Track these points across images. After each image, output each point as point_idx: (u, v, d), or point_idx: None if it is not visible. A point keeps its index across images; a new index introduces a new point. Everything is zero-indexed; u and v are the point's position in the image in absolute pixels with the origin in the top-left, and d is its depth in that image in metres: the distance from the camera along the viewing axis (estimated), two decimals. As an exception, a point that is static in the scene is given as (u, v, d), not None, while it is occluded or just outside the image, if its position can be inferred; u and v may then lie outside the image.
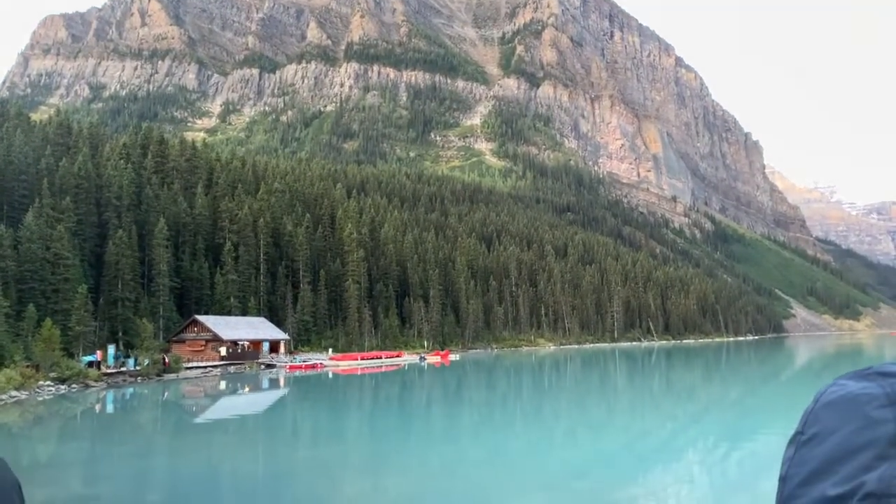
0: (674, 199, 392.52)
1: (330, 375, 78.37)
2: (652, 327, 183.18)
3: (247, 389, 63.18)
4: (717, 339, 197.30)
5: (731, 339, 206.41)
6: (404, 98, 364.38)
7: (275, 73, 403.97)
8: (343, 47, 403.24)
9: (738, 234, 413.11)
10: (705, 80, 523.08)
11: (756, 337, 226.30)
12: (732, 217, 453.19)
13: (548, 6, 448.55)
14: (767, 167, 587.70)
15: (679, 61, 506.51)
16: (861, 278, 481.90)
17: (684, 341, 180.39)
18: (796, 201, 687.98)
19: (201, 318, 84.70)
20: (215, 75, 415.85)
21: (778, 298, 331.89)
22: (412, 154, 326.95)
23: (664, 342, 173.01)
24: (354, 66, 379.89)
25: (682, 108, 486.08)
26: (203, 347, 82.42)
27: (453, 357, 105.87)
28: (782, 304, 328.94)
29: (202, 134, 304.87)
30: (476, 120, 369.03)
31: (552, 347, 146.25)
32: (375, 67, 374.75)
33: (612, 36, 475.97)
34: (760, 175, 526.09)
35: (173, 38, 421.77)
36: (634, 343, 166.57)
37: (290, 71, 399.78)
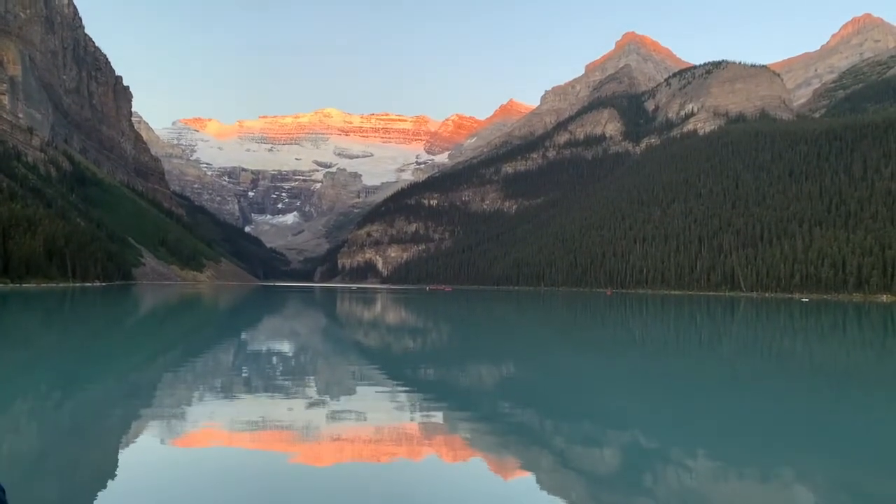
0: (30, 130, 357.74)
1: None
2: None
3: None
4: (63, 285, 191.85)
5: (78, 284, 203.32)
6: None
7: None
8: None
9: (97, 177, 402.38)
10: (81, 10, 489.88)
11: (104, 284, 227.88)
12: (93, 160, 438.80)
13: None
14: (135, 115, 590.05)
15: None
16: (208, 234, 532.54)
17: (24, 285, 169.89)
18: (159, 154, 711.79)
19: None
20: None
21: (130, 246, 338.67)
22: None
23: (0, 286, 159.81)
24: None
25: (51, 34, 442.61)
26: None
27: None
28: (134, 252, 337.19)
29: None
30: None
31: None
32: None
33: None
34: (127, 122, 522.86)
35: None
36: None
37: None
